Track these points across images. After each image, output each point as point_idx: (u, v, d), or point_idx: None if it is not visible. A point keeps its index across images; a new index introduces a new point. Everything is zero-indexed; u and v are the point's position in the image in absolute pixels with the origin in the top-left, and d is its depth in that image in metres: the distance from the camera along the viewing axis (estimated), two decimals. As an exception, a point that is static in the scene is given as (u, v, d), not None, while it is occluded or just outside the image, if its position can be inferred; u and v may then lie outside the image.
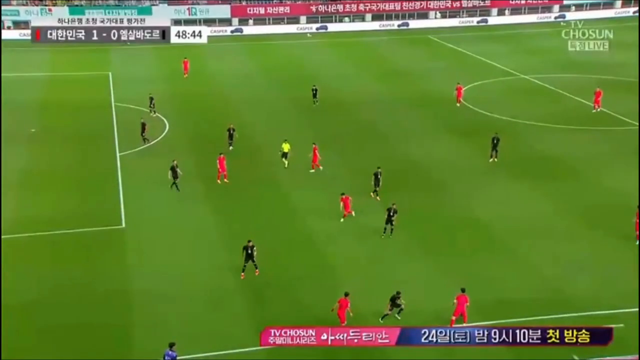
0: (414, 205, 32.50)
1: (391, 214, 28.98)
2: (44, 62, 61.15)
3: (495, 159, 37.52)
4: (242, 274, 26.44)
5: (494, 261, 27.37)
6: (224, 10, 77.13)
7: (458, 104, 47.82)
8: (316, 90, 48.43)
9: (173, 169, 33.53)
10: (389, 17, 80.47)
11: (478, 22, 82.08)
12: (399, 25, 79.96)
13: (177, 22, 75.93)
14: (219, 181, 34.95)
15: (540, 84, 54.92)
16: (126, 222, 30.92)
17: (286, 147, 36.77)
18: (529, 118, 45.39)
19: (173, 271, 26.96)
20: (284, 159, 36.68)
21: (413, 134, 42.79)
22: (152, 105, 45.67)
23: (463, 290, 23.62)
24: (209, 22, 76.47)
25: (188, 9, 76.06)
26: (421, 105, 48.77)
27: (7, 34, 70.07)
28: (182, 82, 55.43)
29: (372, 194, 33.09)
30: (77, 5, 74.09)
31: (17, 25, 71.89)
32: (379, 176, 33.04)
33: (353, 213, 30.63)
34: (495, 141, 37.60)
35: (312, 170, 36.28)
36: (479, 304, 24.12)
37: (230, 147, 38.88)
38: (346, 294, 23.30)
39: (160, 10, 75.71)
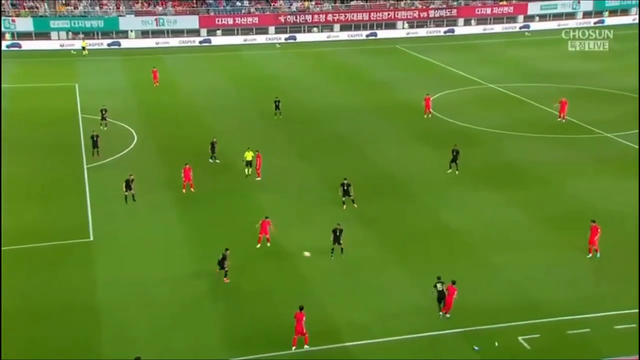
0: (384, 214, 32.73)
1: (337, 234, 28.43)
2: (8, 74, 60.18)
3: (456, 172, 37.60)
4: (225, 279, 26.80)
5: (464, 268, 27.64)
6: (192, 21, 76.97)
7: (426, 115, 48.29)
8: (278, 102, 48.40)
9: (127, 183, 33.43)
10: (357, 27, 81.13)
11: (445, 32, 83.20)
12: (367, 35, 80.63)
13: (144, 33, 75.73)
14: (184, 190, 34.82)
15: (506, 92, 55.83)
16: (94, 235, 30.56)
17: (249, 155, 36.94)
18: (496, 126, 46.08)
19: (142, 283, 26.71)
20: (247, 168, 36.85)
21: (382, 143, 43.11)
22: (104, 118, 45.21)
23: (454, 283, 24.45)
24: (177, 32, 76.27)
25: (156, 19, 75.76)
26: (390, 115, 49.17)
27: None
28: (150, 92, 55.12)
29: (343, 206, 33.19)
30: (42, 16, 73.21)
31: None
32: (346, 187, 33.10)
33: (269, 243, 29.54)
34: (454, 153, 37.60)
35: (258, 178, 36.55)
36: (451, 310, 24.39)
37: (213, 160, 38.81)
38: (301, 308, 23.01)
39: (127, 21, 75.25)
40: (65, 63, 65.30)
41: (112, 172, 37.40)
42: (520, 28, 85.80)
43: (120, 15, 75.63)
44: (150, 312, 24.88)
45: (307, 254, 28.20)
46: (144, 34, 75.91)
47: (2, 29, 70.87)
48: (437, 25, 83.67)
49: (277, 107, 48.27)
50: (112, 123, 46.11)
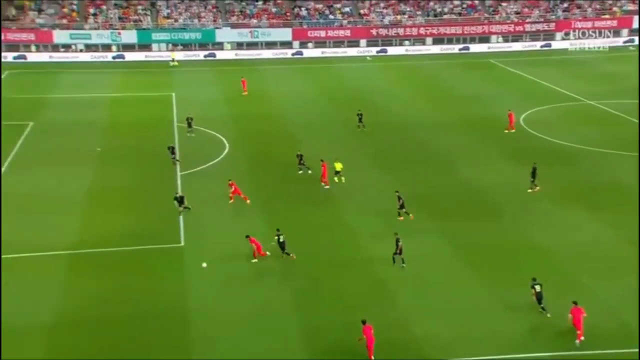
0: (469, 230, 32.35)
1: (399, 243, 28.71)
2: (112, 84, 63.61)
3: (535, 188, 36.58)
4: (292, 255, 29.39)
5: (555, 289, 26.80)
6: (285, 34, 78.68)
7: (507, 130, 47.27)
8: (361, 115, 48.78)
9: (178, 199, 34.21)
10: (449, 41, 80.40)
11: (542, 46, 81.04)
12: (460, 49, 79.75)
13: (239, 45, 78.09)
14: (231, 201, 35.71)
15: (606, 109, 53.80)
16: (185, 240, 31.81)
17: (338, 166, 37.88)
18: (591, 144, 44.53)
19: (229, 290, 27.59)
20: (336, 177, 37.68)
21: (469, 158, 42.58)
22: (190, 126, 46.89)
23: (575, 303, 23.77)
24: (270, 44, 78.19)
25: (250, 32, 77.92)
26: (478, 130, 48.44)
27: (79, 57, 73.29)
28: (242, 103, 56.72)
29: (399, 217, 33.19)
30: (144, 29, 76.95)
31: (89, 48, 75.15)
32: (400, 199, 33.40)
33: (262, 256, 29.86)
34: (533, 170, 36.78)
35: (327, 187, 37.34)
36: (544, 332, 23.81)
37: (304, 171, 39.60)
38: (363, 322, 23.07)
39: (223, 34, 77.84)
40: (164, 73, 68.23)
41: (204, 180, 38.78)
42: (624, 42, 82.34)
43: (217, 28, 78.36)
44: (235, 318, 25.62)
45: (204, 264, 28.87)
46: (239, 45, 78.28)
47: (110, 41, 75.06)
48: (533, 39, 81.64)
49: (360, 120, 48.67)
50: (205, 132, 47.88)
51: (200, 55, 76.25)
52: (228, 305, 26.50)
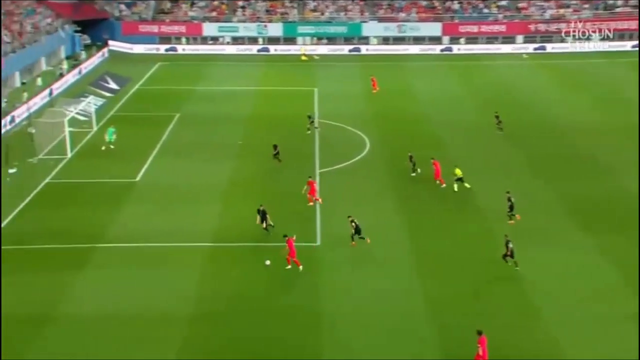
0: (625, 244, 30.45)
1: (509, 245, 28.72)
2: (256, 77, 65.87)
3: None
4: (353, 242, 30.67)
5: None
6: (434, 28, 77.63)
7: None
8: (499, 116, 47.51)
9: (260, 213, 32.78)
10: (621, 37, 75.50)
11: None
12: (632, 46, 74.69)
13: (385, 40, 78.12)
14: (311, 203, 35.55)
15: None
16: (321, 240, 32.24)
17: (459, 171, 37.04)
18: None
19: (363, 293, 27.75)
20: (455, 184, 36.89)
21: (629, 166, 39.81)
22: (311, 123, 47.47)
23: None
24: (418, 40, 77.52)
25: (398, 26, 77.68)
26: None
27: (226, 49, 76.63)
28: (384, 101, 56.63)
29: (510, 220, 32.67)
30: (291, 22, 79.06)
31: (235, 40, 78.44)
32: (510, 201, 33.30)
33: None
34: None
35: (443, 185, 37.42)
36: None
37: (415, 173, 39.35)
38: (479, 333, 22.61)
39: (369, 28, 78.22)
40: (307, 67, 69.66)
41: (343, 178, 39.09)
42: None
43: (364, 22, 78.86)
44: (369, 322, 25.73)
45: (267, 262, 29.27)
46: (385, 40, 78.31)
47: (256, 34, 77.96)
48: None
49: (498, 122, 47.32)
50: (346, 129, 48.31)
51: (344, 49, 77.10)
52: (363, 310, 26.57)
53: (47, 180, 39.41)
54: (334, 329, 25.42)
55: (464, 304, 26.86)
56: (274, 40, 78.19)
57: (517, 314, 26.25)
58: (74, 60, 68.80)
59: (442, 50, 76.32)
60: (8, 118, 46.83)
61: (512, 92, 58.38)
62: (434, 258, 30.38)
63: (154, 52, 75.79)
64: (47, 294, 27.52)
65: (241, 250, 31.25)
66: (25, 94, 52.60)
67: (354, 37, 78.38)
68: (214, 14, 79.97)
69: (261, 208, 32.73)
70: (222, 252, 31.28)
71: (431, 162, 38.31)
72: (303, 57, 73.42)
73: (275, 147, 41.75)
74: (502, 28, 76.93)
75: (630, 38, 75.34)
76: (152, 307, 26.83)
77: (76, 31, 75.31)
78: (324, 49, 76.72)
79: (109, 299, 27.36)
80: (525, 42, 76.29)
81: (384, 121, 51.00)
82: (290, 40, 78.33)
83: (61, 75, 62.08)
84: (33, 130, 45.92)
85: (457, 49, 76.25)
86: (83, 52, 72.11)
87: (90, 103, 51.54)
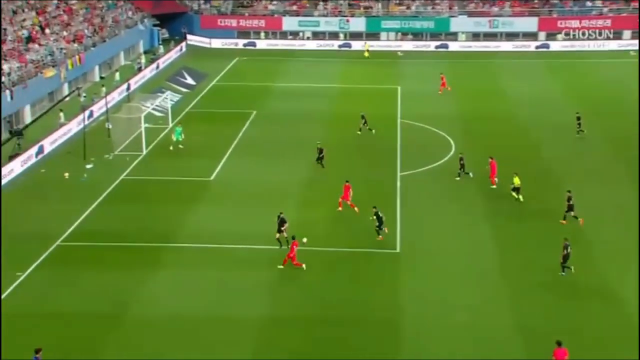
0: None
1: (568, 250, 28.77)
2: (336, 74, 66.23)
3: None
4: (380, 237, 31.93)
5: None
6: (530, 23, 75.98)
7: None
8: (580, 117, 46.49)
9: (279, 221, 31.96)
10: None
11: None
12: None
13: (475, 35, 76.98)
14: (340, 208, 35.58)
15: None
16: (401, 247, 32.15)
17: (517, 180, 36.23)
18: None
19: (446, 303, 27.58)
20: (514, 193, 36.24)
21: None
22: (364, 124, 47.33)
23: None
24: (511, 36, 76.07)
25: (489, 21, 76.46)
26: None
27: (306, 44, 77.42)
28: (471, 100, 55.92)
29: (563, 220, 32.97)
30: (374, 16, 79.06)
31: (316, 35, 79.11)
32: (569, 200, 33.30)
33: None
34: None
35: (494, 186, 37.83)
36: None
37: (461, 176, 39.36)
38: (558, 343, 22.32)
39: (458, 23, 77.32)
40: (391, 65, 69.51)
41: (425, 182, 38.84)
42: None
43: (452, 16, 78.02)
44: (453, 334, 25.60)
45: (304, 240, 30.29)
46: (475, 36, 77.21)
47: (337, 29, 78.41)
48: None
49: (578, 124, 46.27)
50: (430, 130, 47.96)
51: (431, 46, 76.51)
52: (445, 320, 26.43)
53: (122, 177, 40.86)
54: (414, 339, 25.36)
55: (553, 316, 26.37)
56: (356, 36, 78.42)
57: (611, 327, 25.53)
58: (152, 55, 71.10)
59: (537, 47, 74.61)
60: (87, 112, 48.79)
61: (616, 93, 56.46)
62: (522, 268, 29.89)
63: (232, 46, 77.45)
64: (119, 293, 28.49)
65: (316, 255, 31.49)
66: (104, 89, 54.74)
67: (442, 32, 77.66)
68: (294, 7, 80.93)
69: (281, 215, 32.07)
70: (300, 256, 31.56)
71: (489, 161, 38.50)
72: (366, 54, 73.26)
73: (320, 150, 41.61)
74: (607, 23, 74.48)
75: None
76: (224, 309, 27.40)
77: (155, 25, 77.82)
78: (408, 45, 76.38)
79: (180, 300, 28.11)
80: (632, 37, 73.55)
81: (472, 122, 50.36)
82: (373, 35, 78.37)
83: (139, 70, 64.28)
84: (110, 126, 47.80)
85: (554, 46, 74.33)
86: (161, 47, 74.41)
87: (167, 99, 53.06)
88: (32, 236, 33.08)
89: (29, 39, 55.29)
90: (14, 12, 58.29)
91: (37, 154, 43.77)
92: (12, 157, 42.06)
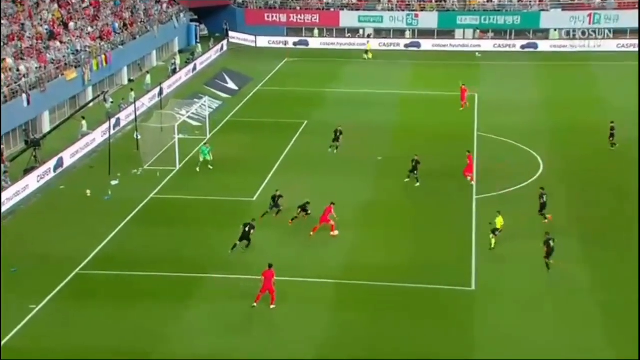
0: None
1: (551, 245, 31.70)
2: (401, 78, 66.42)
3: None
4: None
5: None
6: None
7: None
8: (614, 128, 46.56)
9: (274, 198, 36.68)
10: None
11: None
12: None
13: (570, 33, 76.16)
14: (312, 233, 36.27)
15: None
16: (477, 284, 32.03)
17: (499, 221, 35.23)
18: None
19: (531, 346, 27.56)
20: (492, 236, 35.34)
21: None
22: (336, 140, 47.31)
23: None
24: (617, 33, 75.17)
25: (589, 15, 75.63)
26: None
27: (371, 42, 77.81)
28: (565, 110, 55.37)
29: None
30: (448, 11, 79.07)
31: (378, 33, 79.41)
32: None
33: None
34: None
35: (472, 183, 40.87)
36: None
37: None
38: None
39: (551, 18, 76.74)
40: (467, 67, 69.30)
41: (506, 208, 38.46)
42: None
43: (544, 10, 77.49)
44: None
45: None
46: (570, 34, 76.49)
47: (404, 25, 78.67)
48: None
49: (611, 134, 46.60)
50: (514, 146, 47.73)
51: (516, 45, 76.19)
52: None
53: (152, 195, 41.65)
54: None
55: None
56: (425, 34, 78.50)
57: None
58: (188, 55, 72.45)
59: (645, 47, 73.50)
60: (113, 121, 49.77)
61: None
62: (623, 312, 29.48)
63: (281, 45, 78.47)
64: (145, 330, 28.96)
65: (377, 290, 31.61)
66: (133, 94, 55.91)
67: (529, 29, 77.16)
68: (353, 1, 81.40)
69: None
70: (353, 290, 31.76)
71: (466, 155, 41.75)
72: (369, 55, 72.99)
73: (416, 162, 42.09)
74: None
75: None
76: (269, 350, 27.66)
77: (192, 20, 79.35)
78: (488, 44, 76.22)
79: (218, 337, 28.44)
80: None
81: (565, 137, 49.98)
82: (447, 33, 78.41)
83: (174, 72, 65.58)
84: (139, 136, 48.78)
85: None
86: (199, 45, 75.83)
87: (205, 105, 53.99)
88: (48, 263, 33.91)
89: (51, 35, 56.71)
90: (37, 5, 59.77)
91: (56, 167, 44.95)
92: (27, 171, 43.14)
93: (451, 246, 35.36)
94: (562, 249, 34.20)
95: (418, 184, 41.88)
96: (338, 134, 47.89)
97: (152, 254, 35.01)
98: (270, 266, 30.35)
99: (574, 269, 33.04)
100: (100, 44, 60.40)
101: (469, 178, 42.18)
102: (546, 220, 36.77)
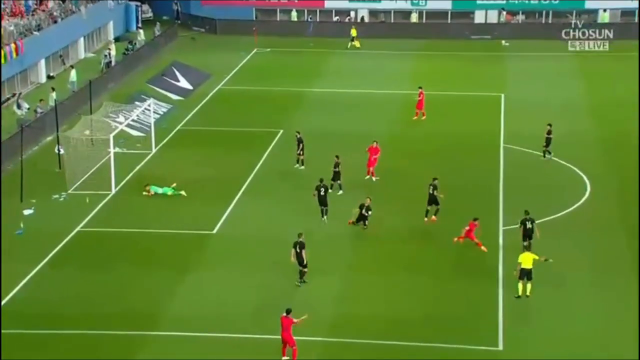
0: None
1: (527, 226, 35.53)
2: (403, 73, 66.72)
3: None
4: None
5: None
6: None
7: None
8: None
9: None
10: None
11: None
12: None
13: (624, 14, 76.61)
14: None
15: None
16: (505, 343, 31.83)
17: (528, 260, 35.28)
18: None
19: None
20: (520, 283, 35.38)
21: None
22: (300, 151, 47.83)
23: None
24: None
25: (648, -8, 76.19)
26: None
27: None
28: (617, 117, 55.78)
29: None
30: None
31: (373, 15, 79.73)
32: None
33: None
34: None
35: (374, 178, 45.18)
36: None
37: None
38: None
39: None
40: (491, 61, 69.69)
41: (544, 243, 38.36)
42: None
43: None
44: None
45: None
46: (624, 15, 76.99)
47: (408, 6, 79.14)
48: None
49: None
50: (551, 161, 47.69)
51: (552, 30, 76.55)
52: None
53: (78, 228, 41.21)
54: None
55: None
56: (437, 17, 78.79)
57: None
58: (127, 44, 72.22)
59: None
60: (27, 131, 49.14)
61: None
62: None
63: (249, 32, 78.10)
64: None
65: (367, 349, 31.36)
66: (54, 94, 55.44)
67: (571, 10, 77.57)
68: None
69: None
70: (343, 350, 31.44)
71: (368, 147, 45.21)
72: (355, 42, 73.70)
73: (433, 189, 41.53)
74: None
75: None
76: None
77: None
78: (517, 30, 76.52)
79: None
80: None
81: (619, 151, 50.13)
82: (463, 15, 78.70)
83: (108, 66, 65.32)
84: (62, 151, 48.29)
85: None
86: (141, 32, 75.67)
87: (149, 110, 53.61)
88: None
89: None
90: None
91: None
92: None
93: (477, 293, 35.26)
94: (618, 292, 34.24)
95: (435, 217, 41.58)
96: (299, 143, 47.80)
97: (78, 306, 34.37)
98: (288, 312, 29.96)
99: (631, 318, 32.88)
100: (9, 28, 59.60)
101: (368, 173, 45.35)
102: (548, 260, 35.66)
